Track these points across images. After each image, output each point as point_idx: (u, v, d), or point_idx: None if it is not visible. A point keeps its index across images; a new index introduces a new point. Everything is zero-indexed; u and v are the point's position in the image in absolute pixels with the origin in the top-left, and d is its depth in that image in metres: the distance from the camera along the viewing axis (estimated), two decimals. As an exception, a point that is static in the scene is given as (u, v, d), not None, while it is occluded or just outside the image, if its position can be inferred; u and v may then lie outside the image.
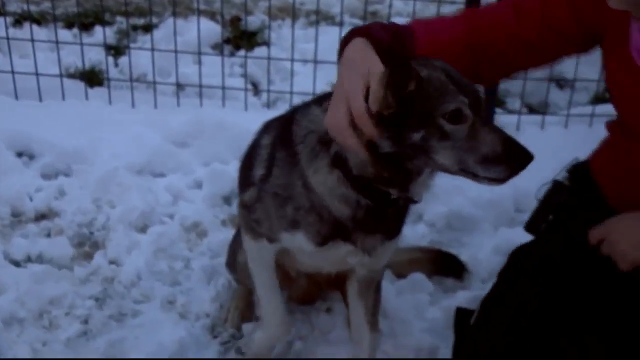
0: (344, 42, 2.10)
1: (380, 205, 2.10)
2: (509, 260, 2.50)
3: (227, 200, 3.67)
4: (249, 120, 4.04)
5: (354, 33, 2.09)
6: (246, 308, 2.92)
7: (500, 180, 1.89)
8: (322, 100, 2.19)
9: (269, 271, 2.52)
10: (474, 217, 3.52)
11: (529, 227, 2.41)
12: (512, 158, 1.85)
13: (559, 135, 3.93)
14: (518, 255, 2.47)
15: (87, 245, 3.35)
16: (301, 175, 2.18)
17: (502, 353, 2.20)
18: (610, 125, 2.30)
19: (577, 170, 2.36)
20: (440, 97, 1.87)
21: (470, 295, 2.91)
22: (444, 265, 3.16)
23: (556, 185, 2.37)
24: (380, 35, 2.06)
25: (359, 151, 1.94)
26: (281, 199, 2.25)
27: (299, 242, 2.27)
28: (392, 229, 2.28)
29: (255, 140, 2.53)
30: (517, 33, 2.16)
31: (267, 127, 2.51)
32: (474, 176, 1.90)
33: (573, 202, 2.33)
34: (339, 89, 1.98)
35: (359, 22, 5.41)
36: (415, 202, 2.13)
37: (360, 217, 2.14)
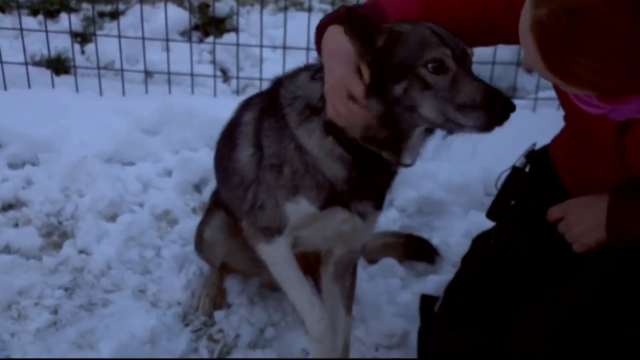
0: (318, 33, 2.13)
1: (373, 168, 2.15)
2: (471, 247, 2.54)
3: (197, 187, 3.65)
4: (219, 107, 4.03)
5: (327, 22, 2.11)
6: (217, 295, 2.91)
7: (482, 128, 1.89)
8: (309, 67, 2.26)
9: (295, 270, 2.45)
10: (444, 201, 3.53)
11: (491, 214, 2.43)
12: (492, 105, 1.85)
13: (527, 119, 3.95)
14: (480, 242, 2.50)
15: (56, 234, 3.32)
16: (292, 138, 2.21)
17: (466, 339, 2.23)
18: (564, 116, 2.33)
19: (536, 156, 2.38)
20: (422, 49, 1.92)
21: (441, 279, 2.92)
22: (417, 250, 3.17)
23: (515, 171, 2.39)
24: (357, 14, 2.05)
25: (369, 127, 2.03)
26: (277, 168, 2.26)
27: (302, 209, 2.25)
28: (380, 196, 2.32)
29: (235, 118, 2.52)
30: (461, 19, 2.16)
31: (248, 103, 2.50)
32: (460, 126, 1.92)
33: (532, 187, 2.35)
34: (330, 80, 2.02)
35: (328, 8, 5.41)
36: (407, 165, 2.16)
37: (354, 180, 2.18)
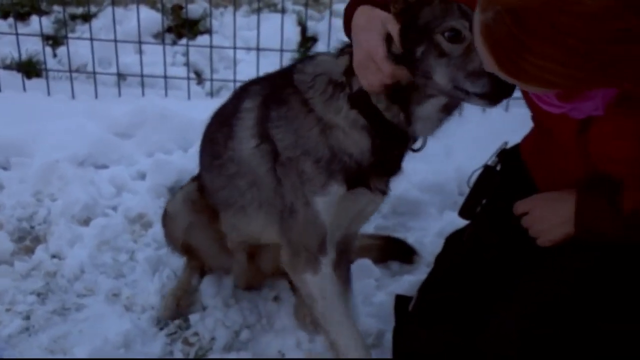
0: (346, 15, 2.22)
1: (391, 141, 2.19)
2: (444, 246, 2.55)
3: (171, 190, 3.61)
4: (193, 109, 4.03)
5: (355, 4, 2.19)
6: (183, 296, 2.88)
7: (488, 96, 1.93)
8: (321, 53, 2.34)
9: (344, 304, 2.42)
10: (419, 201, 3.53)
11: (463, 212, 2.44)
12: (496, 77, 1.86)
13: (500, 119, 3.96)
14: (453, 241, 2.52)
15: (28, 239, 3.28)
16: (318, 121, 2.21)
17: (440, 338, 2.23)
18: (532, 116, 2.35)
19: (507, 154, 2.39)
20: (443, 17, 1.98)
21: (415, 279, 2.92)
22: (394, 251, 3.17)
23: (487, 170, 2.40)
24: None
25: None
26: (298, 160, 2.24)
27: (332, 196, 2.25)
28: (396, 171, 2.34)
29: (231, 105, 2.48)
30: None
31: (246, 90, 2.47)
32: (467, 94, 1.95)
33: (503, 186, 2.36)
34: (359, 53, 2.09)
35: (301, 9, 5.40)
36: (417, 150, 2.24)
37: (377, 152, 2.21)
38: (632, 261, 2.02)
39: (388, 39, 2.04)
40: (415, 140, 2.24)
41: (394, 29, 2.04)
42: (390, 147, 2.22)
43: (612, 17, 1.50)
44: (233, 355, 2.70)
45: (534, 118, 2.31)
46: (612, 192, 2.00)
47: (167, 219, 2.84)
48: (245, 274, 2.87)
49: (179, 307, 2.85)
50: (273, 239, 2.46)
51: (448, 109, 2.15)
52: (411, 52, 2.01)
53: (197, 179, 2.80)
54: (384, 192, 2.35)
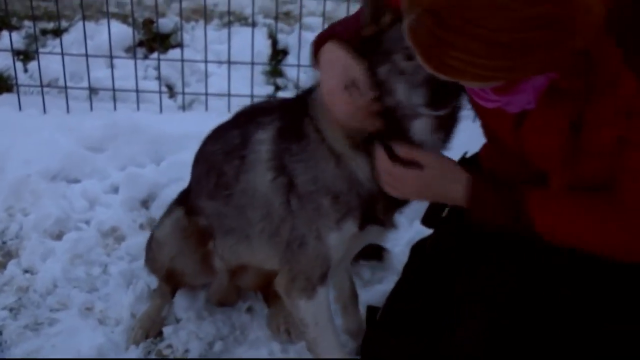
0: (315, 48, 2.22)
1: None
2: (410, 256, 2.58)
3: (144, 203, 3.61)
4: (165, 123, 4.03)
5: (324, 36, 2.21)
6: (152, 327, 2.83)
7: (427, 105, 1.98)
8: None
9: (336, 330, 2.44)
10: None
11: (425, 221, 2.47)
12: (436, 84, 1.91)
13: (468, 128, 4.00)
14: (417, 250, 2.55)
15: (0, 254, 3.25)
16: (331, 153, 2.21)
17: (406, 346, 2.26)
18: (484, 126, 2.39)
19: (468, 162, 2.41)
20: (402, 37, 1.95)
21: (386, 288, 2.92)
22: (364, 251, 3.17)
23: None
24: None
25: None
26: (317, 195, 2.24)
27: (346, 233, 2.25)
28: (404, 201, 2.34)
29: (239, 135, 2.44)
30: None
31: (256, 121, 2.42)
32: (417, 106, 2.01)
33: None
34: (327, 85, 2.14)
35: (271, 22, 5.42)
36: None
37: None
38: (588, 262, 2.04)
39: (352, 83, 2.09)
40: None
41: (358, 73, 2.09)
42: None
43: (521, 5, 1.54)
44: (207, 366, 2.70)
45: (482, 124, 2.35)
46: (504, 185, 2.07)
47: (153, 245, 2.78)
48: (223, 291, 2.86)
49: (147, 337, 2.81)
50: (272, 266, 2.47)
51: (441, 128, 2.16)
52: (376, 74, 2.06)
53: (181, 202, 2.74)
54: (394, 226, 2.36)
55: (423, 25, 1.63)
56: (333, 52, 2.15)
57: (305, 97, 2.32)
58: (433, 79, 1.86)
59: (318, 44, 2.21)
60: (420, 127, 2.12)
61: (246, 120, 2.47)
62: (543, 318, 2.06)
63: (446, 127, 2.19)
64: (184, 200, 2.74)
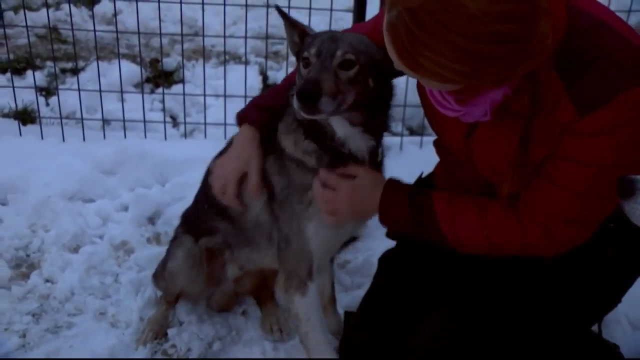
0: (241, 118, 2.32)
1: (340, 159, 2.19)
2: (378, 265, 2.55)
3: (151, 220, 3.59)
4: (169, 149, 4.04)
5: (249, 110, 2.31)
6: (159, 331, 2.79)
7: (299, 110, 1.97)
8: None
9: (325, 330, 2.42)
10: (366, 225, 3.53)
11: (389, 234, 2.46)
12: (301, 90, 1.94)
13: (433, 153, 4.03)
14: (384, 260, 2.53)
15: (24, 266, 3.22)
16: (292, 159, 2.23)
17: (377, 349, 2.25)
18: (435, 142, 2.37)
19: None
20: (305, 47, 2.08)
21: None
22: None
23: None
24: (263, 118, 2.30)
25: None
26: (290, 196, 2.25)
27: (320, 221, 2.24)
28: None
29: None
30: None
31: None
32: (299, 111, 2.01)
33: None
34: (227, 166, 2.30)
35: (262, 61, 5.43)
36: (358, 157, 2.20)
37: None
38: (550, 270, 2.02)
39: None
40: (364, 157, 2.21)
41: (254, 168, 2.21)
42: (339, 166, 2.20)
43: (490, 20, 1.52)
44: (207, 363, 2.68)
45: (435, 142, 2.34)
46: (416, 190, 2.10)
47: (166, 275, 2.72)
48: (225, 298, 2.84)
49: (155, 339, 2.77)
50: (276, 267, 2.46)
51: (358, 124, 2.13)
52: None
53: (189, 230, 2.69)
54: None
55: (402, 22, 1.58)
56: (245, 136, 2.27)
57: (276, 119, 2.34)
58: (304, 86, 1.92)
59: (242, 117, 2.32)
60: (338, 124, 2.12)
61: None
62: (508, 316, 2.02)
63: (373, 133, 2.18)
64: (191, 226, 2.69)
